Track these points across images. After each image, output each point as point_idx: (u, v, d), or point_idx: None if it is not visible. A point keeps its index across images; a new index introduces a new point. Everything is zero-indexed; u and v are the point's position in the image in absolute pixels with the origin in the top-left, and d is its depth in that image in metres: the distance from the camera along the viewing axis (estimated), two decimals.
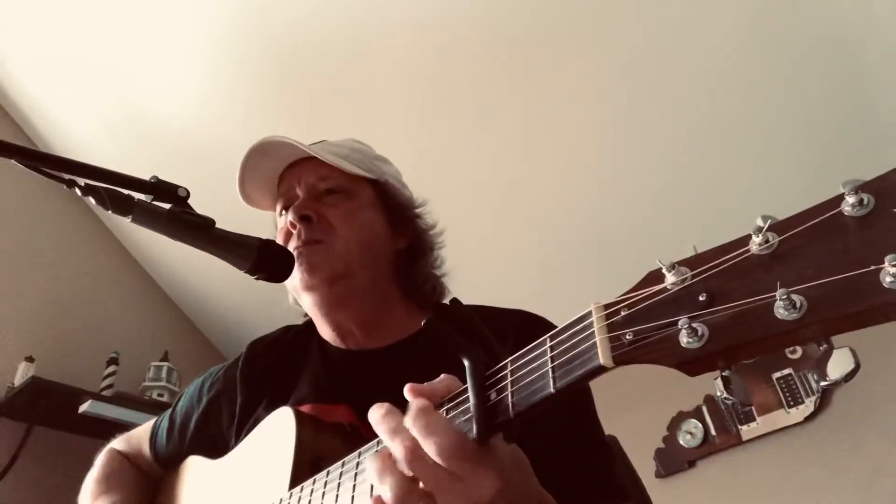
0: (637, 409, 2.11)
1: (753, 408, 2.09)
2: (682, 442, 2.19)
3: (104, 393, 2.08)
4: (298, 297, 0.82)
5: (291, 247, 0.78)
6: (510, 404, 0.41)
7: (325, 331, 0.84)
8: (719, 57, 1.71)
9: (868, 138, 1.81)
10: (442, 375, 0.48)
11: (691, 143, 1.89)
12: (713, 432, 2.14)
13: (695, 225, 2.00)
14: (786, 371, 2.04)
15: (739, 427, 2.10)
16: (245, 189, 0.84)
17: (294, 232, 0.79)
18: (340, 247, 0.78)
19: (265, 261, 0.68)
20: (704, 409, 2.19)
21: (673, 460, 2.19)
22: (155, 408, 2.06)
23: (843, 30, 1.60)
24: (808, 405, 1.99)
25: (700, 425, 2.17)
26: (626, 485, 0.70)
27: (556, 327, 0.77)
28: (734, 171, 1.92)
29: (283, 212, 0.82)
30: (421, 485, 0.43)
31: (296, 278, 0.78)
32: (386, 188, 0.85)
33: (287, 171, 0.85)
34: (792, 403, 2.02)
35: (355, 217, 0.80)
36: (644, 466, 2.05)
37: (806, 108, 1.77)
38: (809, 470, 1.95)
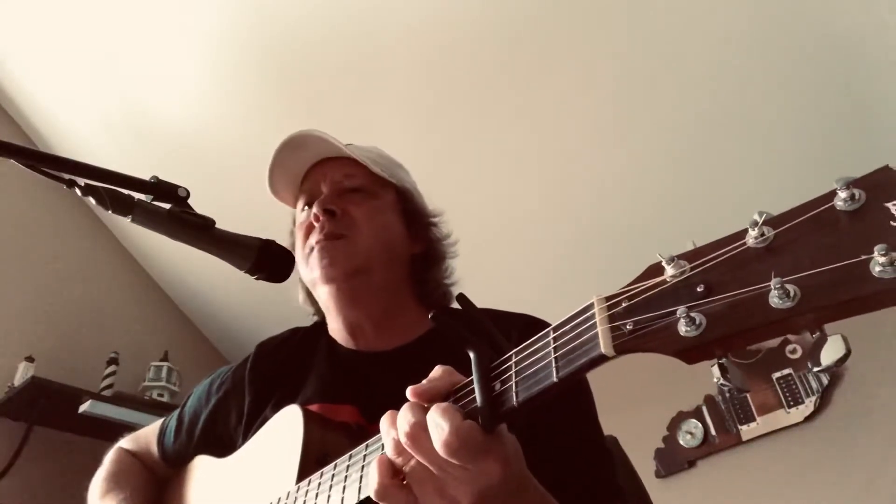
0: (637, 409, 2.11)
1: (753, 408, 2.10)
2: (682, 442, 2.19)
3: (104, 393, 2.09)
4: (314, 290, 0.83)
5: (313, 240, 0.80)
6: (514, 394, 0.42)
7: (337, 327, 0.85)
8: (719, 55, 1.71)
9: (867, 137, 1.82)
10: (438, 369, 0.49)
11: (691, 142, 1.90)
12: (713, 432, 2.15)
13: (695, 223, 2.00)
14: (786, 371, 2.05)
15: (739, 427, 2.10)
16: (273, 181, 0.86)
17: (317, 225, 0.80)
18: (362, 242, 0.79)
19: (265, 261, 0.69)
20: (704, 409, 2.19)
21: (673, 460, 2.19)
22: (155, 408, 2.06)
23: (844, 27, 1.61)
24: (808, 405, 1.99)
25: (700, 425, 2.18)
26: (624, 487, 0.71)
27: None
28: (734, 169, 1.93)
29: (306, 207, 0.84)
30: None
31: (315, 271, 0.79)
32: (406, 194, 0.87)
33: (312, 169, 0.86)
34: (792, 403, 2.03)
35: (377, 216, 0.82)
36: (644, 466, 2.05)
37: (805, 105, 1.77)
38: (809, 470, 1.95)
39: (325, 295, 0.81)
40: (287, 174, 0.86)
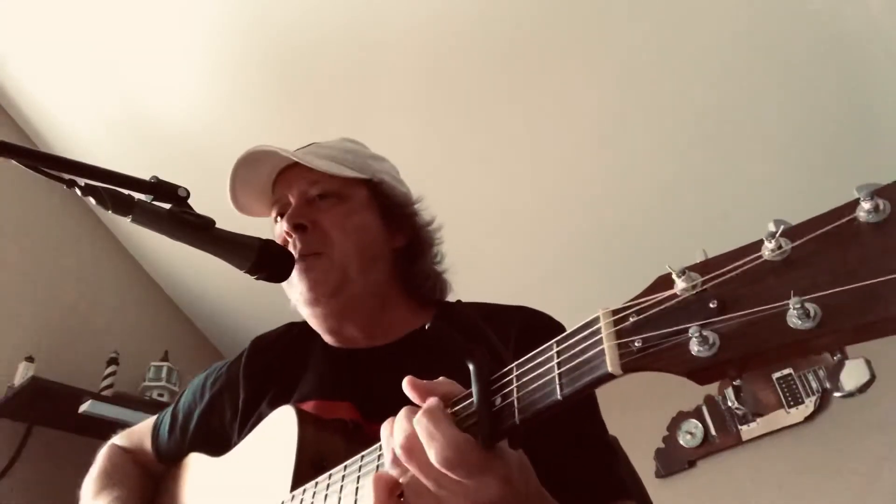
0: (637, 409, 2.11)
1: None
2: (682, 442, 2.19)
3: (104, 393, 2.08)
4: (299, 309, 0.82)
5: None
6: (516, 410, 0.41)
7: (328, 338, 0.84)
8: (720, 57, 1.70)
9: (869, 137, 1.80)
10: (441, 378, 0.48)
11: (693, 143, 1.89)
12: (713, 432, 2.14)
13: (697, 225, 1.99)
14: (786, 371, 2.04)
15: (739, 427, 2.10)
16: (238, 199, 0.84)
17: (290, 241, 0.78)
18: (338, 255, 0.77)
19: (265, 261, 0.68)
20: (704, 409, 2.19)
21: (673, 460, 2.19)
22: (155, 408, 2.05)
23: (844, 28, 1.60)
24: (808, 405, 1.99)
25: (700, 425, 2.17)
26: (628, 484, 0.70)
27: (559, 324, 0.77)
28: (736, 171, 1.92)
29: (279, 218, 0.82)
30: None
31: (296, 291, 0.77)
32: (380, 187, 0.84)
33: (280, 177, 0.84)
34: (792, 403, 2.02)
35: (349, 220, 0.80)
36: (644, 466, 2.05)
37: (807, 105, 1.76)
38: (809, 470, 1.95)
39: (308, 315, 0.80)
40: (251, 190, 0.84)
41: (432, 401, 0.44)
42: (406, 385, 0.46)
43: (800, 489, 1.94)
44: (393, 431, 0.45)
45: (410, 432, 0.43)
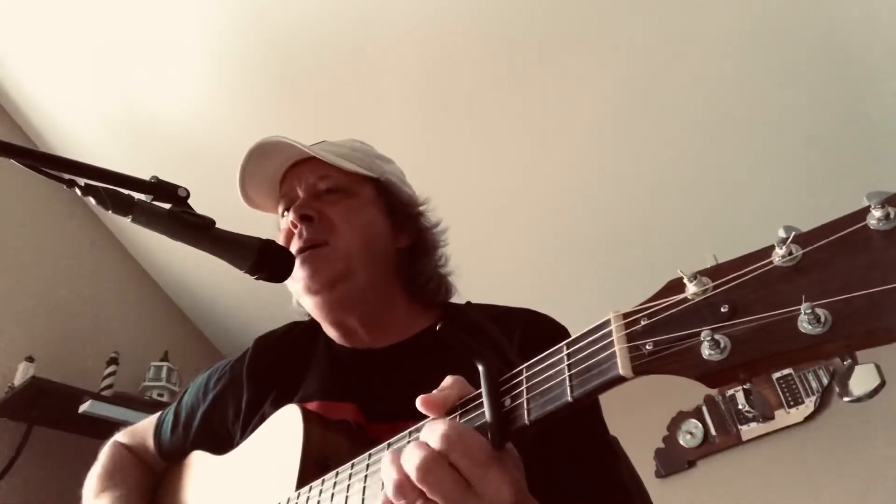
0: (637, 409, 2.11)
1: None
2: (682, 442, 2.19)
3: (104, 393, 2.08)
4: (300, 300, 0.82)
5: (294, 248, 0.78)
6: (526, 411, 0.41)
7: (330, 331, 0.84)
8: (719, 58, 1.70)
9: (869, 136, 1.81)
10: (449, 378, 0.47)
11: (693, 144, 1.89)
12: (713, 432, 2.15)
13: (697, 226, 2.00)
14: (786, 371, 2.05)
15: (739, 427, 2.11)
16: (246, 191, 0.84)
17: (295, 232, 0.78)
18: (342, 246, 0.77)
19: (265, 261, 0.68)
20: (704, 409, 2.19)
21: (673, 460, 2.20)
22: (155, 408, 2.03)
23: (845, 28, 1.60)
24: (808, 405, 1.99)
25: (700, 425, 2.18)
26: (629, 487, 0.70)
27: (562, 327, 0.77)
28: (736, 172, 1.92)
29: (286, 213, 0.82)
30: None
31: (298, 282, 0.77)
32: (387, 187, 0.85)
33: (288, 173, 0.84)
34: (792, 403, 2.03)
35: (356, 215, 0.80)
36: (644, 466, 2.05)
37: (807, 106, 1.76)
38: (809, 470, 1.96)
39: (310, 305, 0.80)
40: (260, 182, 0.84)
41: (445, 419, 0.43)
42: (420, 405, 0.45)
43: (800, 489, 1.94)
44: (397, 461, 0.43)
45: (424, 456, 0.41)
